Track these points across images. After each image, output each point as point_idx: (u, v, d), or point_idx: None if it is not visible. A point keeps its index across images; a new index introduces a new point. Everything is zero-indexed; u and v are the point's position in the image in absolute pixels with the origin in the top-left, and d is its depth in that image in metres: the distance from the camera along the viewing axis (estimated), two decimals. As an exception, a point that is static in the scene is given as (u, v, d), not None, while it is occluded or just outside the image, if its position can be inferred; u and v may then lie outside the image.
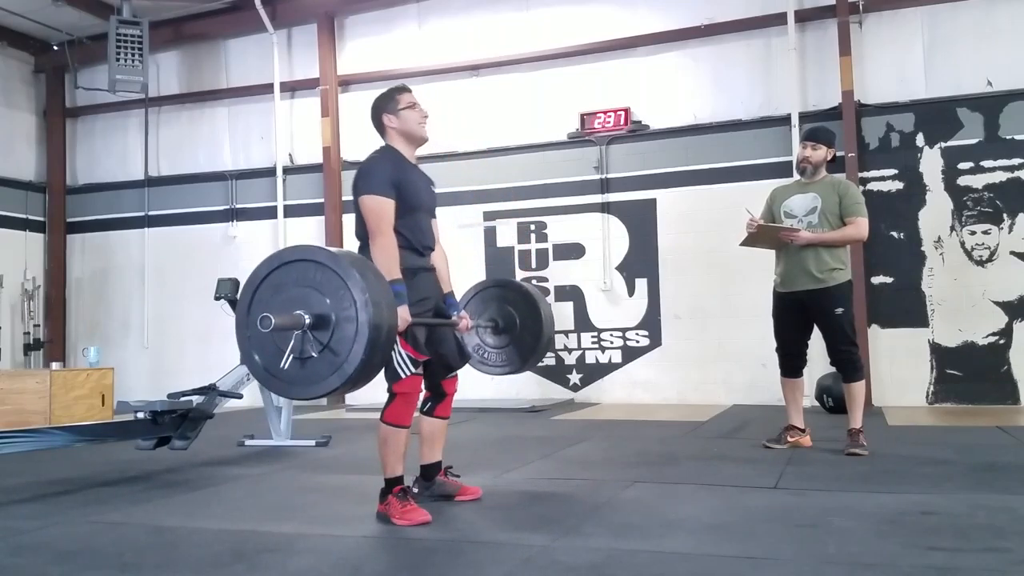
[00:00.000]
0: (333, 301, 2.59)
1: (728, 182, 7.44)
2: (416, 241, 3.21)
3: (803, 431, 4.64)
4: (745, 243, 4.62)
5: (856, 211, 4.46)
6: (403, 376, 3.08)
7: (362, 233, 3.16)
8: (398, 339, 3.02)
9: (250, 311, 2.68)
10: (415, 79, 8.46)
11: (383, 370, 3.09)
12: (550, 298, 8.02)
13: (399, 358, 3.06)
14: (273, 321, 2.53)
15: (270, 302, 2.65)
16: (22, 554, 2.75)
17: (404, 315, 2.95)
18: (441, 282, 3.37)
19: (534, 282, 8.07)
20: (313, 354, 2.61)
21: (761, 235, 4.52)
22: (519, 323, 3.94)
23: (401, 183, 3.14)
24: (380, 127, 3.31)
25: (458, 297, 3.54)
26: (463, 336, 3.50)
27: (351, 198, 3.22)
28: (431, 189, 3.37)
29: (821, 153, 4.57)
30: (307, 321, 2.60)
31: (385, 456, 3.07)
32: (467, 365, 3.50)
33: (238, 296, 2.87)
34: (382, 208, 3.08)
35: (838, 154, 5.02)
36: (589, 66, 8.05)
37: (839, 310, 4.42)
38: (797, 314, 4.54)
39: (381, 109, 3.29)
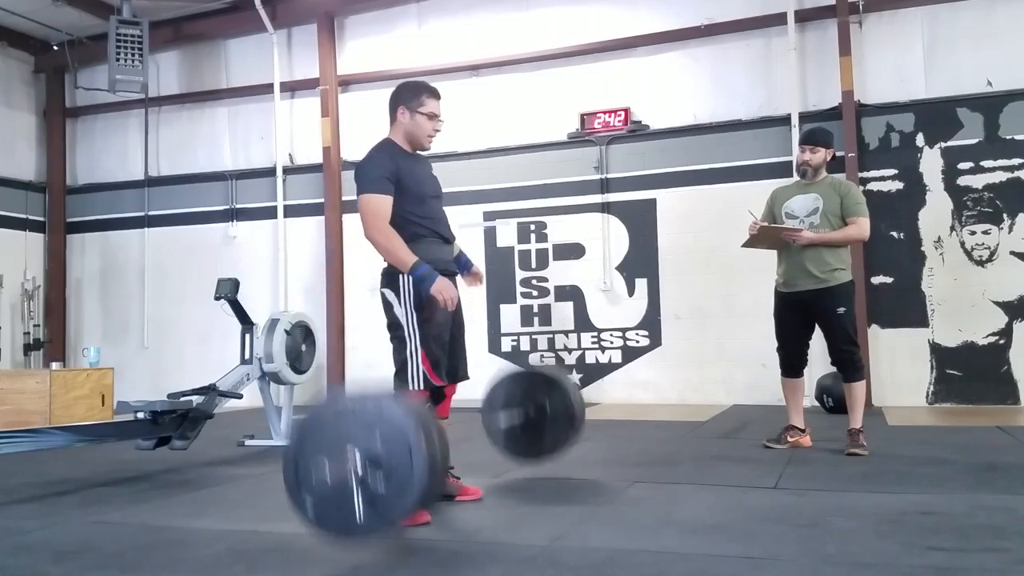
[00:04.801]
0: (385, 444, 2.36)
1: (728, 182, 7.44)
2: (439, 228, 3.19)
3: (803, 431, 4.65)
4: (747, 244, 4.63)
5: (857, 211, 4.46)
6: (411, 389, 3.07)
7: None
8: (420, 354, 3.01)
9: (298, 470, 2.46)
10: (415, 79, 8.49)
11: (393, 373, 3.10)
12: (550, 298, 8.03)
13: (414, 370, 3.05)
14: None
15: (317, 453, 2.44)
16: (22, 554, 2.75)
17: (446, 285, 2.96)
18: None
19: (534, 282, 8.09)
20: (381, 491, 2.35)
21: (763, 236, 4.53)
22: (549, 418, 3.73)
23: (400, 173, 3.10)
24: (392, 114, 3.25)
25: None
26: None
27: (351, 198, 3.22)
28: (434, 176, 3.33)
29: (821, 155, 4.57)
30: (359, 459, 2.36)
31: None
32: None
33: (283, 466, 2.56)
34: (378, 206, 3.04)
35: (838, 154, 5.03)
36: (589, 66, 8.04)
37: (841, 310, 4.42)
38: (798, 314, 4.55)
39: (400, 99, 3.24)
